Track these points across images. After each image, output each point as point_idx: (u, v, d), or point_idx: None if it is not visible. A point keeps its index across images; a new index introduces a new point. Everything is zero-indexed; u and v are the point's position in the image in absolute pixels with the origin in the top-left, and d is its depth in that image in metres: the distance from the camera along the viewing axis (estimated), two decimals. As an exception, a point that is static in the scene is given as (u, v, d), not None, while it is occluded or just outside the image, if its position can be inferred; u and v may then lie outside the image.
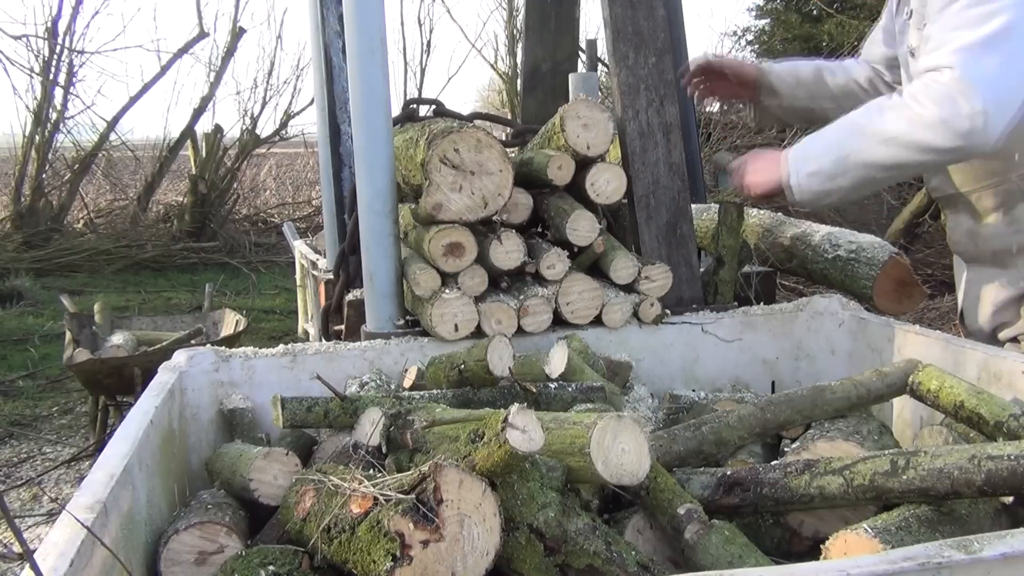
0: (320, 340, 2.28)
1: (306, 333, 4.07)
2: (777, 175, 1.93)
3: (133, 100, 10.46)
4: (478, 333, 1.91)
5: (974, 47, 1.74)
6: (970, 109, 1.71)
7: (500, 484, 1.11)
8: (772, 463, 1.40)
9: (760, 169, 2.00)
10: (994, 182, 1.96)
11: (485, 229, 1.97)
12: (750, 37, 12.19)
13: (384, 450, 1.45)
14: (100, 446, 3.98)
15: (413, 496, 1.01)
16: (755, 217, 2.78)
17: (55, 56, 9.78)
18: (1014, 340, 2.01)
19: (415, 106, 2.65)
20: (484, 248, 1.92)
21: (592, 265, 2.07)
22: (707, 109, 2.34)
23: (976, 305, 2.11)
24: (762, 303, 2.26)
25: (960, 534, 1.10)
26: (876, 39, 2.35)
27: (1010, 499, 1.27)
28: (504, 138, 2.53)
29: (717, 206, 2.76)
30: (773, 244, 2.71)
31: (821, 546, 1.15)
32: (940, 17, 1.81)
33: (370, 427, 1.47)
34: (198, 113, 10.74)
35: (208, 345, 1.95)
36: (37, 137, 9.75)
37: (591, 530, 1.14)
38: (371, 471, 1.31)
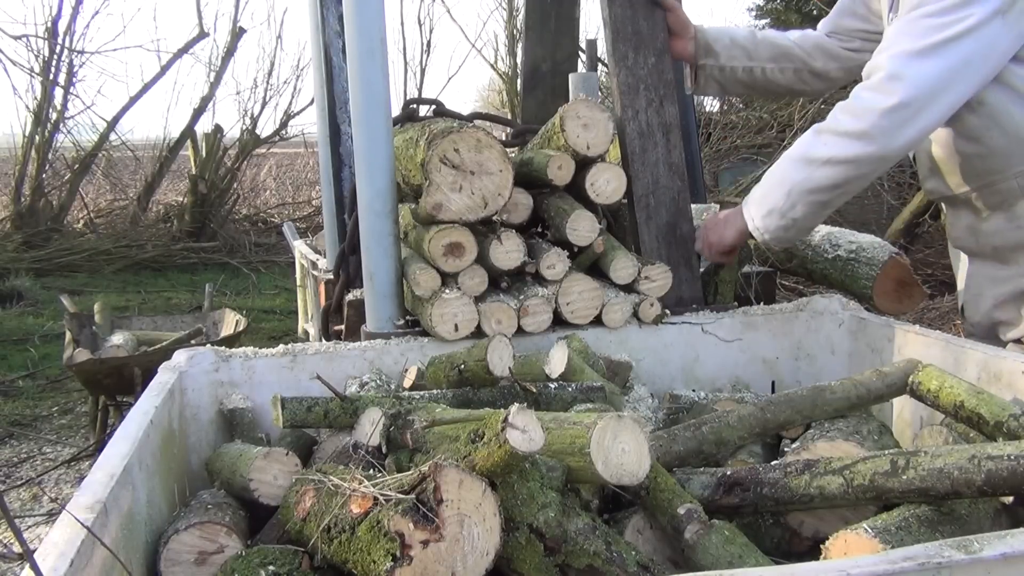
0: (320, 340, 2.28)
1: (306, 333, 4.07)
2: (741, 226, 2.03)
3: (133, 100, 10.47)
4: (478, 333, 1.91)
5: (911, 53, 1.80)
6: (885, 104, 1.78)
7: (500, 484, 1.11)
8: (772, 463, 1.40)
9: (719, 227, 2.10)
10: (993, 180, 1.97)
11: (485, 229, 1.97)
12: (750, 37, 12.17)
13: (384, 450, 1.45)
14: (100, 446, 3.98)
15: (413, 496, 1.01)
16: (755, 217, 2.78)
17: (55, 56, 9.78)
18: (1017, 342, 2.01)
19: (415, 106, 2.65)
20: (484, 248, 1.92)
21: (592, 265, 2.07)
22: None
23: (977, 300, 2.11)
24: (762, 303, 2.26)
25: (960, 534, 1.10)
26: (839, 8, 2.34)
27: (1010, 499, 1.27)
28: (504, 138, 2.53)
29: (717, 206, 2.76)
30: (773, 244, 2.71)
31: (821, 546, 1.15)
32: (900, 21, 1.85)
33: (370, 427, 1.47)
34: (198, 113, 10.75)
35: (208, 345, 1.95)
36: (37, 137, 9.75)
37: (591, 530, 1.14)
38: (371, 471, 1.31)
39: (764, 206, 1.97)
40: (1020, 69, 1.84)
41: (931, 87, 1.77)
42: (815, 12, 11.14)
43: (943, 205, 2.20)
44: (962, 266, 2.19)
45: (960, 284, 2.21)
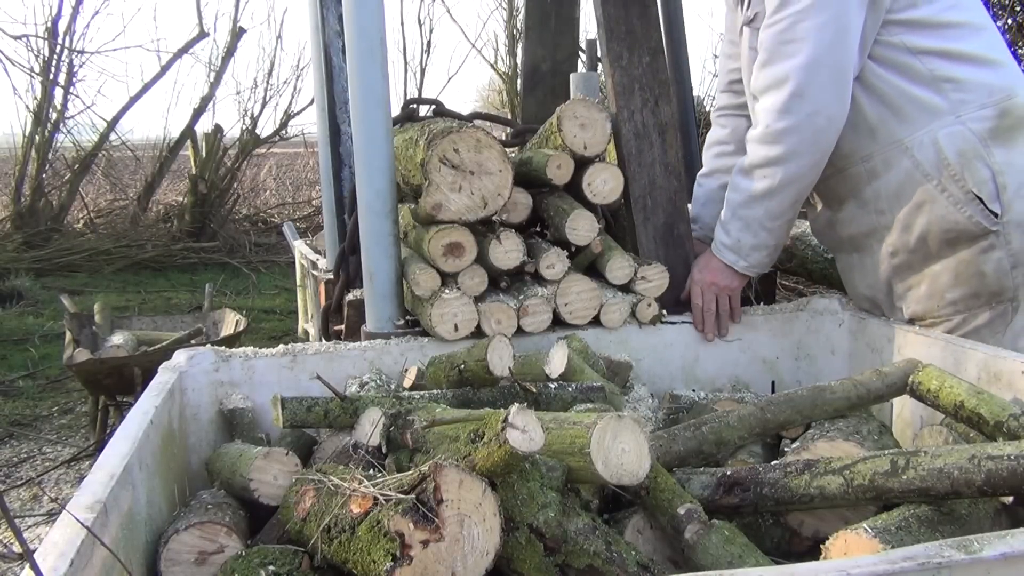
0: (320, 340, 2.28)
1: (306, 333, 4.07)
2: (734, 274, 2.08)
3: (133, 100, 10.46)
4: (478, 333, 1.91)
5: (771, 57, 1.91)
6: (784, 119, 1.89)
7: (500, 484, 1.11)
8: (772, 463, 1.40)
9: (719, 276, 2.09)
10: (843, 166, 2.02)
11: (484, 229, 1.97)
12: (750, 37, 12.16)
13: (384, 450, 1.45)
14: (100, 446, 3.98)
15: (413, 496, 1.01)
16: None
17: (55, 56, 9.78)
18: (910, 322, 2.04)
19: (415, 106, 2.65)
20: (484, 248, 1.92)
21: (589, 266, 2.07)
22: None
23: (855, 291, 2.17)
24: (762, 303, 2.26)
25: (960, 534, 1.10)
26: (728, 54, 2.39)
27: (1010, 499, 1.27)
28: (504, 138, 2.53)
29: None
30: (773, 244, 2.71)
31: (821, 546, 1.15)
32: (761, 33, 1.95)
33: (370, 427, 1.47)
34: (198, 113, 10.74)
35: (208, 345, 1.95)
36: (37, 137, 9.75)
37: (591, 530, 1.14)
38: (371, 471, 1.31)
39: (742, 249, 2.05)
40: (870, 62, 1.91)
41: (807, 66, 1.86)
42: (815, 12, 11.10)
43: (810, 201, 2.24)
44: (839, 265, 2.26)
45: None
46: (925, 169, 1.88)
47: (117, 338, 4.47)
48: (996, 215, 1.85)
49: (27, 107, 9.86)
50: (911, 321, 2.00)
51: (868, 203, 2.00)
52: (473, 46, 13.26)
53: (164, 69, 10.60)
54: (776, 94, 1.90)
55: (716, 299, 2.09)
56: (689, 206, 2.38)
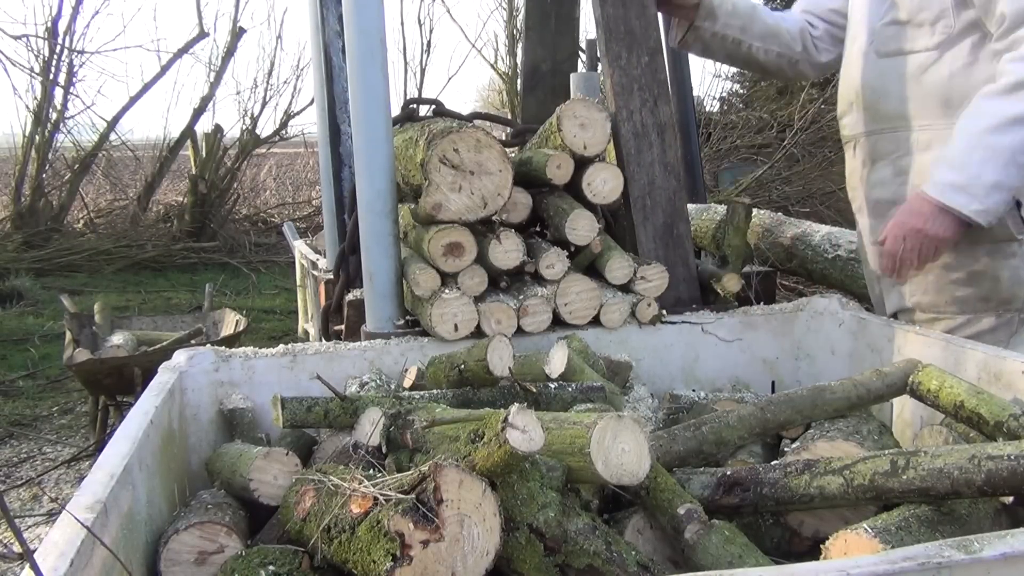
0: (320, 340, 2.28)
1: (306, 333, 4.07)
2: (952, 221, 1.80)
3: (133, 100, 10.46)
4: (478, 333, 1.91)
5: None
6: None
7: (500, 484, 1.11)
8: (772, 463, 1.40)
9: (917, 236, 1.84)
10: (893, 127, 2.00)
11: (484, 229, 1.97)
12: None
13: (384, 450, 1.45)
14: (100, 446, 3.98)
15: (413, 496, 1.01)
16: (755, 217, 2.79)
17: (55, 56, 9.77)
18: (899, 313, 2.04)
19: (415, 106, 2.65)
20: (484, 248, 1.92)
21: (589, 266, 2.07)
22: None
23: (865, 255, 2.17)
24: (762, 303, 2.26)
25: (960, 534, 1.10)
26: None
27: (1010, 499, 1.27)
28: (504, 138, 2.53)
29: (717, 206, 2.76)
30: (773, 244, 2.71)
31: (821, 546, 1.15)
32: None
33: (370, 427, 1.47)
34: (198, 113, 10.73)
35: (208, 345, 1.95)
36: (37, 137, 9.74)
37: (591, 530, 1.14)
38: (371, 471, 1.31)
39: (978, 188, 1.76)
40: (990, 41, 1.85)
41: None
42: (815, 12, 11.11)
43: (846, 152, 2.22)
44: (857, 227, 2.23)
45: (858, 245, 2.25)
46: None
47: (117, 338, 4.47)
48: None
49: (27, 107, 9.87)
50: (912, 309, 1.99)
51: (904, 172, 1.98)
52: (473, 46, 13.25)
53: (164, 69, 10.59)
54: None
55: (919, 248, 1.83)
56: (691, 207, 2.38)
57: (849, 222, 2.51)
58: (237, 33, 10.92)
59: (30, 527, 3.32)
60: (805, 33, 2.35)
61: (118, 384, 3.96)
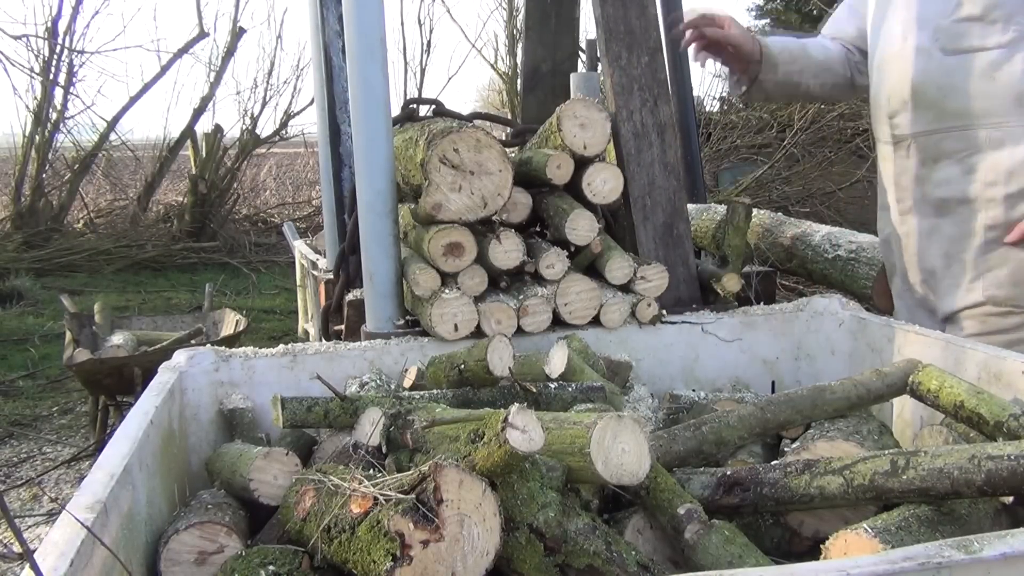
0: (320, 340, 2.28)
1: (306, 333, 4.07)
2: None
3: (133, 100, 10.47)
4: (478, 333, 1.91)
5: None
6: None
7: (500, 484, 1.11)
8: (772, 463, 1.40)
9: None
10: (967, 124, 1.98)
11: (484, 229, 1.97)
12: (750, 37, 12.20)
13: (384, 450, 1.45)
14: (100, 446, 3.98)
15: (413, 496, 1.01)
16: (755, 217, 2.78)
17: (55, 56, 9.78)
18: (948, 321, 2.01)
19: (415, 106, 2.65)
20: (484, 248, 1.92)
21: (588, 266, 2.07)
22: (701, 67, 2.32)
23: (907, 261, 2.12)
24: (762, 303, 2.26)
25: (960, 534, 1.10)
26: (842, 17, 2.41)
27: (1010, 499, 1.27)
28: (504, 138, 2.53)
29: (717, 206, 2.76)
30: (773, 244, 2.71)
31: (821, 546, 1.15)
32: None
33: (370, 427, 1.47)
34: (198, 113, 10.74)
35: (208, 345, 1.95)
36: (37, 137, 9.75)
37: (591, 530, 1.14)
38: (371, 471, 1.31)
39: None
40: None
41: None
42: (815, 12, 11.14)
43: (887, 155, 2.20)
44: (896, 228, 2.18)
45: (892, 249, 2.21)
46: None
47: (117, 338, 4.47)
48: None
49: (27, 107, 9.88)
50: (982, 303, 1.97)
51: (973, 170, 1.96)
52: (473, 46, 13.27)
53: (164, 69, 10.60)
54: None
55: None
56: (691, 207, 2.38)
57: (849, 222, 2.51)
58: (237, 33, 10.94)
59: (30, 527, 3.32)
60: (848, 59, 2.39)
61: (118, 384, 3.97)
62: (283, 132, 11.74)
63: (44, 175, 10.00)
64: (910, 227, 2.14)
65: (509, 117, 8.61)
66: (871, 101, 2.25)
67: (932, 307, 2.14)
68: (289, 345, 1.92)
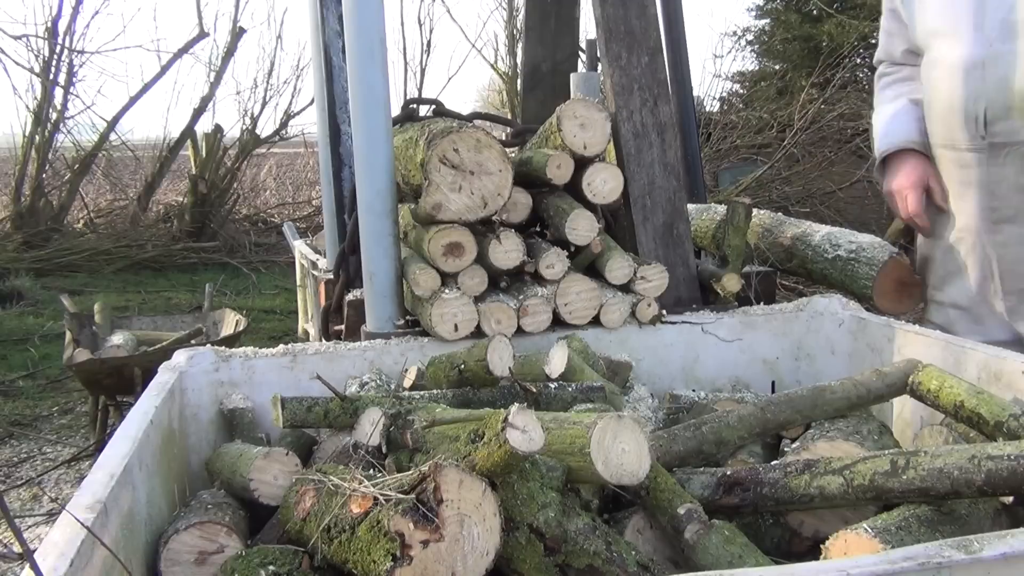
0: (320, 340, 2.28)
1: (306, 333, 4.07)
2: None
3: (133, 100, 10.45)
4: (478, 333, 1.91)
5: None
6: None
7: (500, 484, 1.11)
8: (772, 463, 1.40)
9: None
10: None
11: (484, 229, 1.97)
12: (750, 37, 12.21)
13: (384, 450, 1.45)
14: (100, 446, 3.98)
15: (413, 496, 1.01)
16: (755, 217, 2.78)
17: (55, 56, 9.77)
18: None
19: (415, 106, 2.65)
20: (483, 248, 1.92)
21: (589, 266, 2.07)
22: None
23: (1015, 267, 2.04)
24: (762, 303, 2.26)
25: (960, 534, 1.10)
26: (893, 30, 2.30)
27: (1010, 499, 1.27)
28: (504, 138, 2.53)
29: (717, 206, 2.76)
30: (773, 244, 2.71)
31: (821, 546, 1.15)
32: None
33: (370, 427, 1.47)
34: (198, 113, 10.73)
35: (208, 345, 1.95)
36: (37, 137, 9.74)
37: (591, 530, 1.14)
38: (371, 471, 1.31)
39: None
40: None
41: None
42: (815, 12, 11.14)
43: (969, 162, 2.08)
44: (978, 237, 2.10)
45: (959, 258, 2.14)
46: None
47: (117, 338, 4.46)
48: None
49: (27, 107, 9.86)
50: None
51: None
52: (473, 46, 13.25)
53: (164, 69, 10.59)
54: None
55: None
56: (691, 207, 2.37)
57: (849, 222, 2.50)
58: (237, 33, 10.92)
59: (30, 527, 3.32)
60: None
61: (118, 384, 3.96)
62: (283, 132, 11.72)
63: (44, 175, 9.99)
64: (1007, 236, 2.05)
65: (509, 117, 8.61)
66: (937, 104, 2.13)
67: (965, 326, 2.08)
68: (289, 345, 1.92)
